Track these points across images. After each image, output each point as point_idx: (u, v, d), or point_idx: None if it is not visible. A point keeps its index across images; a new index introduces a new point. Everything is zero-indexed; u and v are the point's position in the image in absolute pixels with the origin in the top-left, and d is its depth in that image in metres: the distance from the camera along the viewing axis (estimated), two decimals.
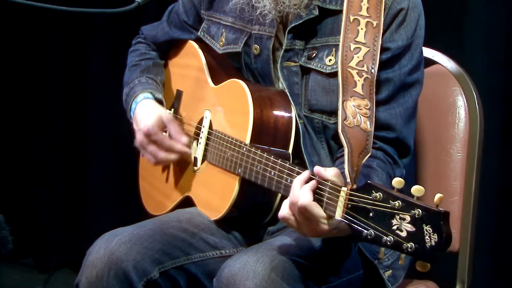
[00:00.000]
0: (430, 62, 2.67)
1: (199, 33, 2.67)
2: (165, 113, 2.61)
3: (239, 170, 2.38)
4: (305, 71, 2.42)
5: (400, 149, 2.36)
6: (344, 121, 2.17)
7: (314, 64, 2.39)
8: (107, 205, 4.26)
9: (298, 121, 2.40)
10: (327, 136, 2.42)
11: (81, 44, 4.24)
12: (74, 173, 4.35)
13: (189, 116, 2.66)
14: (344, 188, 2.04)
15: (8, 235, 3.28)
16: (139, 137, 2.59)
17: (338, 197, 2.04)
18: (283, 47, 2.43)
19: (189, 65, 2.73)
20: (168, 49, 2.83)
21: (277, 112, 2.41)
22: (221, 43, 2.60)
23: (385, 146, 2.33)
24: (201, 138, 2.59)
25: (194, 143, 2.62)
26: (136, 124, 2.63)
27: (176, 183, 2.67)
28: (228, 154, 2.42)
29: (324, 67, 2.38)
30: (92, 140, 4.29)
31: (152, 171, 2.80)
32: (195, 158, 2.60)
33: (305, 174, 2.12)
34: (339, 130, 2.16)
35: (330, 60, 2.37)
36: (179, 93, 2.75)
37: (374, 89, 2.23)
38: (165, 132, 2.60)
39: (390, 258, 2.39)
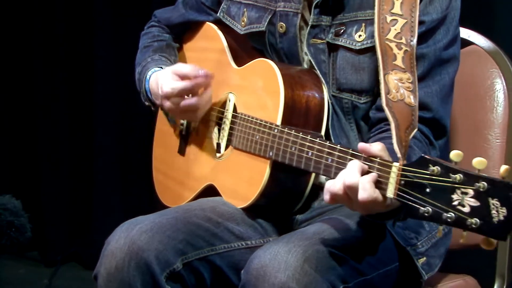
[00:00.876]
0: (465, 43, 2.53)
1: (218, 14, 2.53)
2: (176, 65, 2.46)
3: (270, 153, 2.22)
4: (333, 48, 2.29)
5: (435, 129, 2.23)
6: (388, 95, 2.02)
7: (343, 41, 2.27)
8: (114, 197, 4.12)
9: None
10: (357, 116, 2.30)
11: (87, 39, 4.10)
12: (80, 165, 4.21)
13: (212, 101, 2.49)
14: (396, 164, 1.89)
15: (26, 223, 3.11)
16: (166, 104, 2.41)
17: (389, 173, 1.90)
18: (309, 23, 2.30)
19: (207, 48, 2.58)
20: (182, 32, 2.68)
21: (308, 92, 2.27)
22: (243, 23, 2.46)
23: (421, 126, 2.19)
24: (224, 123, 2.43)
25: (215, 128, 2.46)
26: (155, 96, 2.47)
27: (196, 172, 2.50)
28: (257, 137, 2.27)
29: (354, 44, 2.25)
30: (99, 130, 4.15)
31: (168, 161, 2.64)
32: (218, 145, 2.43)
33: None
34: (384, 105, 2.02)
35: (360, 36, 2.25)
36: None
37: (415, 62, 2.09)
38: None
39: (425, 245, 2.25)
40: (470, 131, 2.51)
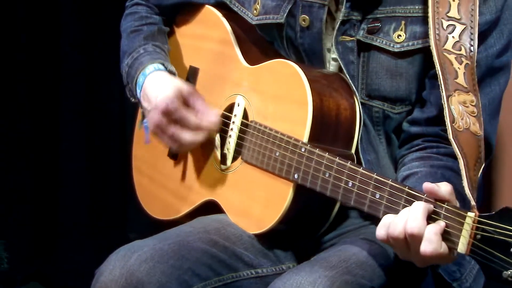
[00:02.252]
0: None
1: None
2: (184, 85, 2.11)
3: (295, 176, 1.91)
4: (364, 47, 1.98)
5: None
6: (453, 124, 1.73)
7: (378, 40, 1.96)
8: (81, 208, 3.62)
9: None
10: (388, 128, 2.01)
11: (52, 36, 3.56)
12: (44, 173, 3.67)
13: (209, 100, 2.15)
14: (470, 214, 1.60)
15: (2, 252, 2.69)
16: (155, 118, 2.07)
17: (462, 224, 1.62)
18: (340, 17, 1.98)
19: (208, 36, 2.22)
20: (174, 15, 2.31)
21: (339, 103, 1.96)
22: (255, 11, 2.10)
23: None
24: (232, 130, 2.09)
25: (217, 134, 2.12)
26: (147, 101, 2.13)
27: (194, 183, 2.17)
28: (277, 154, 1.95)
29: (391, 45, 1.95)
30: (64, 137, 3.60)
31: (155, 164, 2.29)
32: (224, 155, 2.10)
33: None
34: (450, 137, 1.73)
35: (399, 36, 1.94)
36: (193, 71, 2.24)
37: (476, 78, 1.80)
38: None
39: (469, 279, 1.99)
40: None
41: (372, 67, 1.98)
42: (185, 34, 2.29)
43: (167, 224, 2.18)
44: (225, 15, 2.18)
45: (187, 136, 2.06)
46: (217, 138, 2.13)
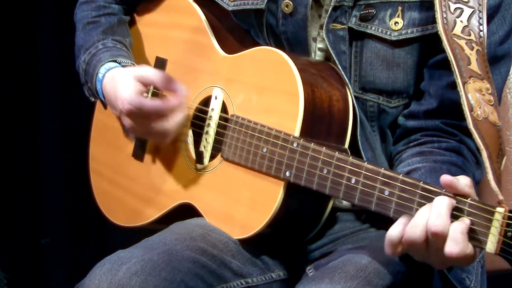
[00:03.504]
0: None
1: None
2: (138, 69, 1.92)
3: (287, 173, 1.73)
4: (357, 36, 1.83)
5: None
6: (472, 113, 1.58)
7: (374, 28, 1.81)
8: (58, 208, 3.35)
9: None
10: (383, 124, 1.86)
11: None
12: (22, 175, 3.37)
13: None
14: (499, 209, 1.45)
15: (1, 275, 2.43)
16: (128, 124, 1.91)
17: (490, 221, 1.47)
18: (331, 3, 1.81)
19: (177, 24, 2.03)
20: (137, 3, 2.11)
21: (330, 93, 1.79)
22: None
23: (467, 140, 1.79)
24: (208, 125, 1.89)
25: (190, 131, 1.93)
26: (113, 108, 1.94)
27: (165, 184, 1.97)
28: (264, 150, 1.77)
29: (388, 33, 1.81)
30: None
31: (118, 165, 2.09)
32: (200, 153, 1.90)
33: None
34: (471, 126, 1.58)
35: (396, 23, 1.80)
36: (161, 62, 2.04)
37: (488, 64, 1.66)
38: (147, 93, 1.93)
39: (477, 285, 1.85)
40: None
41: (367, 57, 1.83)
42: (149, 23, 2.09)
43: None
44: (196, 1, 2.00)
45: (168, 123, 1.87)
46: (190, 135, 1.93)
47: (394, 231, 1.54)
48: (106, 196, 2.11)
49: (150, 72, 1.89)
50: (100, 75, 1.96)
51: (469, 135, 1.76)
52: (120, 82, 1.90)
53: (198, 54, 1.96)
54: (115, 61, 1.97)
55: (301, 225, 1.82)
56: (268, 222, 1.76)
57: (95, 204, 2.11)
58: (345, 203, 1.86)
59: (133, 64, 1.98)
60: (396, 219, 1.56)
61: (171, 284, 1.70)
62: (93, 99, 2.04)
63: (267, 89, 1.81)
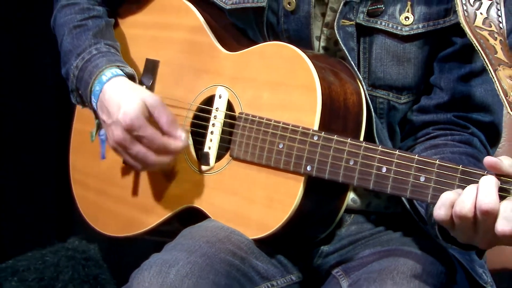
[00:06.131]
0: None
1: None
2: (150, 96, 1.84)
3: (308, 168, 1.69)
4: (365, 32, 1.82)
5: (491, 136, 1.85)
6: (507, 98, 1.58)
7: (383, 24, 1.80)
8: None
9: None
10: (392, 120, 1.85)
11: None
12: None
13: (178, 95, 1.89)
14: None
15: (110, 275, 2.27)
16: (117, 134, 1.81)
17: None
18: (341, 0, 1.79)
19: (170, 23, 1.97)
20: (120, 3, 2.03)
21: (344, 86, 1.77)
22: None
23: (479, 133, 1.81)
24: (213, 125, 1.83)
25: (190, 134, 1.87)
26: (107, 114, 1.84)
27: (164, 189, 1.89)
28: (281, 146, 1.73)
29: (399, 28, 1.80)
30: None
31: (108, 175, 1.99)
32: (205, 154, 1.83)
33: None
34: (508, 110, 1.57)
35: (406, 18, 1.79)
36: (152, 64, 1.96)
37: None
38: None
39: (491, 281, 1.85)
40: None
41: (376, 53, 1.81)
42: (134, 24, 2.01)
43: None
44: (189, 0, 1.94)
45: (153, 158, 1.81)
46: (190, 136, 1.86)
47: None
48: (92, 207, 2.00)
49: (162, 108, 1.81)
50: (104, 77, 1.85)
51: (481, 127, 1.80)
52: (129, 97, 1.82)
53: (196, 53, 1.90)
54: (118, 67, 1.88)
55: (317, 223, 1.78)
56: (288, 219, 1.70)
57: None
58: (358, 204, 1.83)
59: (133, 71, 1.90)
60: (435, 204, 1.54)
61: (218, 287, 1.64)
62: (81, 107, 1.94)
63: (280, 84, 1.76)
